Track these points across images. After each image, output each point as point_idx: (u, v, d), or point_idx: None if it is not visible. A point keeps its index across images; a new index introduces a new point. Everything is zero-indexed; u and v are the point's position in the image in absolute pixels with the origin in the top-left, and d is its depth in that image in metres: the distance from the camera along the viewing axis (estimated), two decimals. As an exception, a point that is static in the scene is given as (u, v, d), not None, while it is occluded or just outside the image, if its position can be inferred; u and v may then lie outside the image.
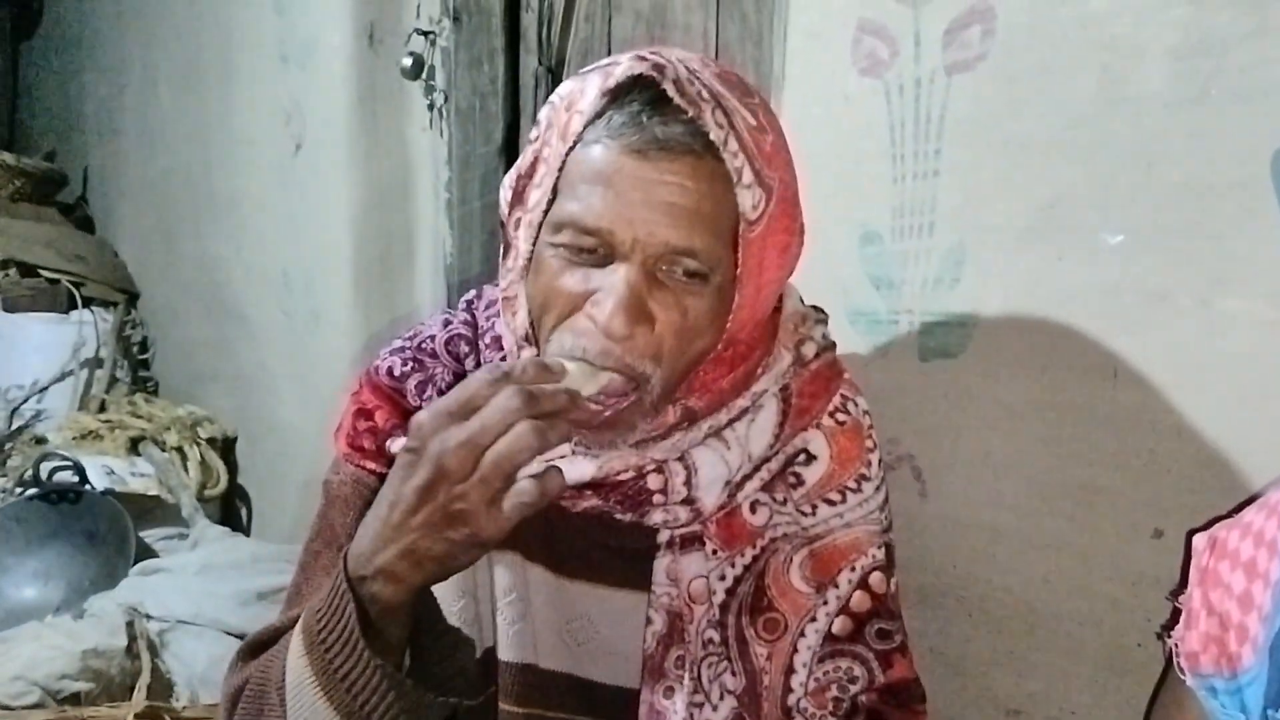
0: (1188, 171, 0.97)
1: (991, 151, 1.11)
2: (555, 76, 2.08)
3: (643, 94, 0.80)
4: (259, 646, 0.94)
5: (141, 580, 2.28)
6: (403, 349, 1.02)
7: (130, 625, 2.02)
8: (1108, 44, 1.01)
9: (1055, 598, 1.09)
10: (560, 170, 0.83)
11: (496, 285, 1.03)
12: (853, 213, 1.25)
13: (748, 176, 0.81)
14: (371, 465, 0.98)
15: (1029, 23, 1.07)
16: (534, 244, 0.85)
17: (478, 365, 0.99)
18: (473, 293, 1.07)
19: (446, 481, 0.73)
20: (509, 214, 0.89)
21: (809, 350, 0.98)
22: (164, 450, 2.89)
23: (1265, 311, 0.92)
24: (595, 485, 0.92)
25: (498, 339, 0.98)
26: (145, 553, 2.52)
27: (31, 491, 2.56)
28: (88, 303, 3.47)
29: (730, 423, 0.93)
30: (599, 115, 0.81)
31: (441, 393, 0.96)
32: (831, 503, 0.97)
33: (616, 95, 0.81)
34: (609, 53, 1.94)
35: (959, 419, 1.16)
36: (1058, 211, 1.06)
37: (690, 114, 0.79)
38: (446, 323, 1.03)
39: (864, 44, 1.22)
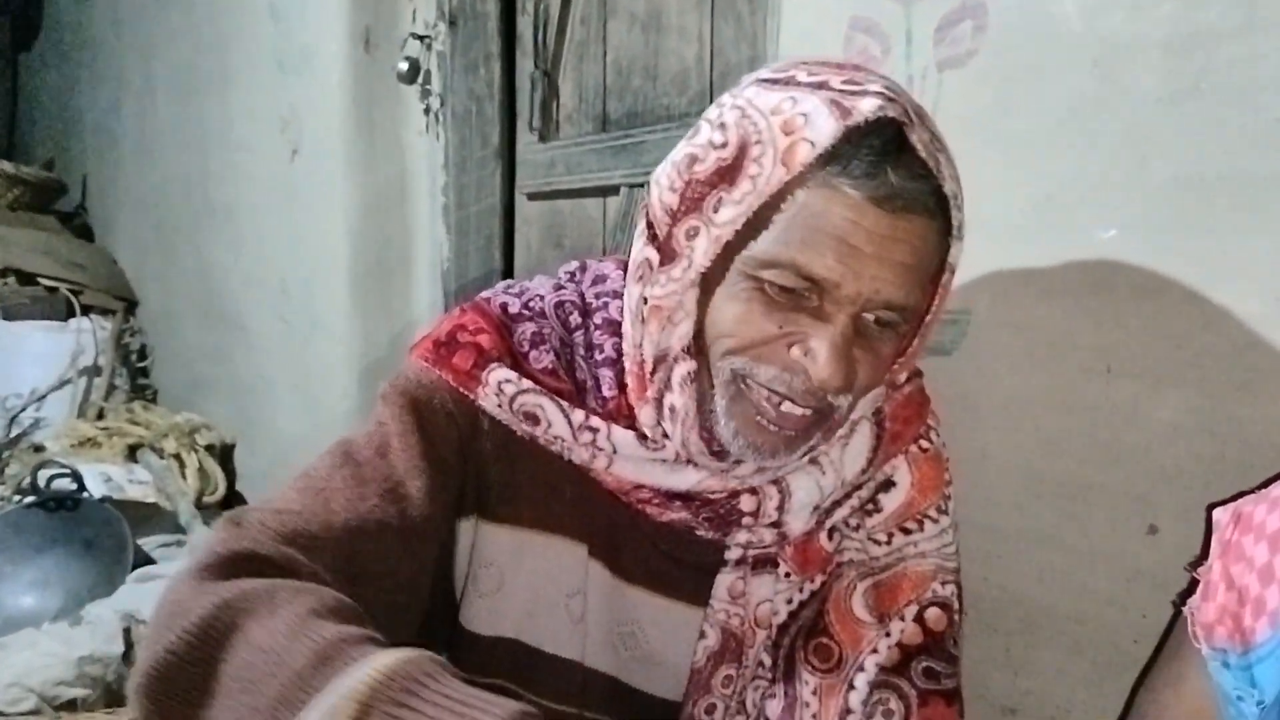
0: (1180, 166, 0.96)
1: (983, 147, 1.10)
2: (551, 80, 2.08)
3: (881, 135, 0.74)
4: (239, 563, 0.72)
5: (139, 587, 2.28)
6: (516, 295, 0.95)
7: (127, 632, 2.02)
8: (1099, 39, 1.01)
9: (1051, 595, 1.09)
10: (777, 200, 0.76)
11: (602, 261, 1.00)
12: (846, 211, 1.24)
13: (963, 229, 0.80)
14: (450, 379, 0.89)
15: (1021, 18, 1.07)
16: (715, 260, 0.79)
17: (586, 341, 0.93)
18: (574, 264, 1.01)
19: None
20: (676, 217, 0.81)
21: (900, 375, 0.93)
22: (162, 457, 2.89)
23: (1258, 304, 0.92)
24: (685, 497, 0.90)
25: (610, 322, 0.93)
26: (143, 560, 2.52)
27: (29, 499, 2.56)
28: (86, 311, 3.48)
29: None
30: (834, 154, 0.74)
31: (553, 352, 0.91)
32: (907, 531, 0.95)
33: (855, 134, 0.74)
34: (605, 55, 1.94)
35: (954, 417, 1.15)
36: (1050, 207, 1.06)
37: (930, 166, 0.75)
38: (558, 287, 0.97)
39: (856, 41, 1.22)
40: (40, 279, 3.50)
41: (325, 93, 2.40)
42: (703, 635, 0.94)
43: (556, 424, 0.88)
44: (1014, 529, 1.12)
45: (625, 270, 0.94)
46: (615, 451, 0.89)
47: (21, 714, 1.82)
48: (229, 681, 0.63)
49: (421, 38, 2.24)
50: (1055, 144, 1.05)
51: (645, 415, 0.88)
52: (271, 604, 0.65)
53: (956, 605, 0.95)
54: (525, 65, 2.15)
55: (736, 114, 0.79)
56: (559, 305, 0.95)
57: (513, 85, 2.22)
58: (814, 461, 0.91)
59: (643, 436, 0.88)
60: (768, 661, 0.94)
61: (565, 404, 0.89)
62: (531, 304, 0.94)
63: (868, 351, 0.81)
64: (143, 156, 3.57)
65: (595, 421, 0.89)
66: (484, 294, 0.96)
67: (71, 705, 1.88)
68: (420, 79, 2.25)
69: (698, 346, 0.83)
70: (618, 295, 0.95)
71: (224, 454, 3.06)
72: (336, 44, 2.34)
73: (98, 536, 2.51)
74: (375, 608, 0.72)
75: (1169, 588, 0.99)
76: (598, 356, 0.92)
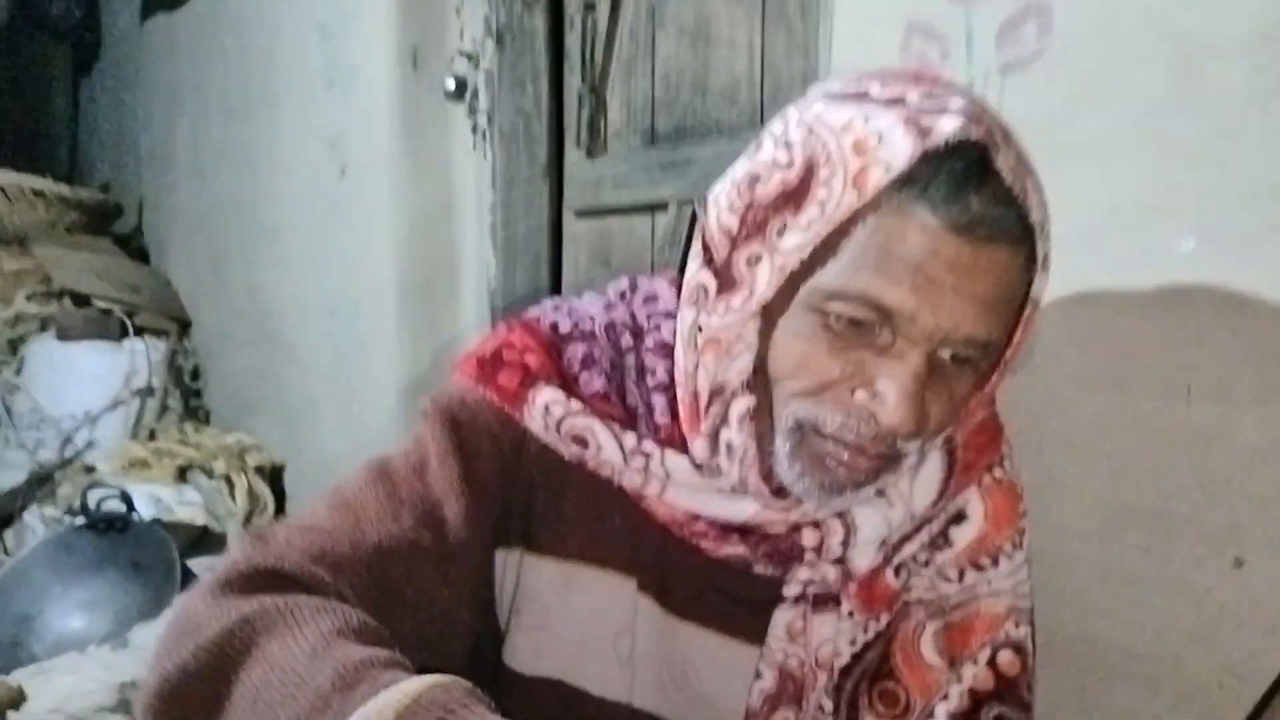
0: (1263, 170, 0.92)
1: (1051, 154, 1.04)
2: (599, 96, 2.05)
3: (963, 157, 0.69)
4: (261, 579, 0.70)
5: (186, 610, 2.26)
6: (566, 314, 0.91)
7: (171, 656, 2.01)
8: (1174, 36, 0.96)
9: (1128, 632, 1.03)
10: (847, 226, 0.71)
11: (653, 278, 0.95)
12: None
13: (1048, 260, 0.75)
14: (495, 399, 0.85)
15: (1088, 17, 1.03)
16: (778, 290, 0.74)
17: (638, 364, 0.89)
18: (624, 282, 0.96)
19: None
20: (736, 242, 0.76)
21: (977, 412, 0.86)
22: (211, 478, 2.89)
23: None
24: (743, 531, 0.85)
25: (662, 345, 0.88)
26: (192, 581, 2.50)
27: (79, 521, 2.57)
28: (140, 332, 3.50)
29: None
30: (911, 177, 0.69)
31: (604, 375, 0.87)
32: (980, 568, 0.89)
33: (933, 156, 0.69)
34: (653, 69, 1.90)
35: (1022, 440, 1.10)
36: (1124, 216, 1.01)
37: (1015, 192, 0.70)
38: (608, 306, 0.92)
39: (913, 46, 1.18)
40: (95, 300, 3.54)
41: (373, 111, 2.40)
42: (758, 676, 0.88)
43: (607, 447, 0.84)
44: (1087, 562, 1.06)
45: (677, 289, 0.89)
46: (669, 478, 0.84)
47: (63, 740, 1.80)
48: (243, 701, 0.60)
49: (469, 56, 2.24)
50: (1127, 149, 1.00)
51: (699, 449, 0.83)
52: (292, 621, 0.63)
53: (1030, 648, 0.89)
54: (573, 82, 2.13)
55: (803, 131, 0.74)
56: (609, 326, 0.90)
57: (560, 102, 2.19)
58: (881, 494, 0.85)
59: (697, 465, 0.83)
60: (829, 706, 0.88)
61: (616, 427, 0.84)
62: (582, 324, 0.90)
63: (942, 391, 0.75)
64: (196, 178, 3.61)
65: (648, 446, 0.84)
66: (532, 311, 0.92)
67: (114, 731, 1.86)
68: (468, 97, 2.25)
69: (758, 381, 0.77)
70: (670, 316, 0.89)
71: (273, 475, 3.05)
72: (384, 63, 2.34)
73: (147, 558, 2.50)
74: (406, 637, 0.68)
75: (1257, 624, 0.93)
76: (650, 381, 0.88)
